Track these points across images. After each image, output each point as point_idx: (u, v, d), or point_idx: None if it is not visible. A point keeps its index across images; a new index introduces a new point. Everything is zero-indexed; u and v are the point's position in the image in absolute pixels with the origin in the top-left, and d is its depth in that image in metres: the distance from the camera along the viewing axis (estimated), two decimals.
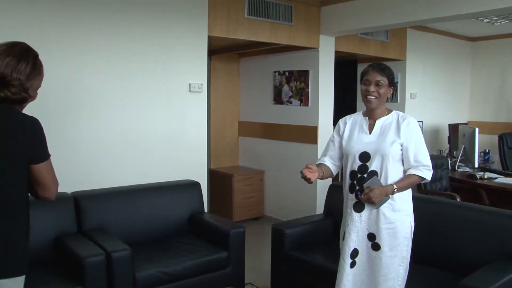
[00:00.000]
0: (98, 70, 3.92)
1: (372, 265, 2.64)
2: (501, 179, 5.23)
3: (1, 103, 1.89)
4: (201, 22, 4.51)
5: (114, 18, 3.96)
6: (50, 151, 1.96)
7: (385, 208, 2.60)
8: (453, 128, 6.84)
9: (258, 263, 4.57)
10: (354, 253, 2.68)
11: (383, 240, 2.60)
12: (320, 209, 4.94)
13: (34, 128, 1.91)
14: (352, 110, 7.24)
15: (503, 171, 5.73)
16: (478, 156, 5.90)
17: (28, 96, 1.95)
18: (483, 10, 4.22)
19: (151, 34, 4.20)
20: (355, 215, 2.68)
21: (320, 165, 2.83)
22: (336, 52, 5.85)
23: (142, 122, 4.20)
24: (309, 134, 5.76)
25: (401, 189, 2.59)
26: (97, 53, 3.91)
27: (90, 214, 3.60)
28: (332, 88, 5.84)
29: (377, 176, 2.61)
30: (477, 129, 5.56)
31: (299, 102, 5.91)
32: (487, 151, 6.82)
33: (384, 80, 2.63)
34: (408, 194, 2.69)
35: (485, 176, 5.28)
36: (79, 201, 3.59)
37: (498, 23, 6.68)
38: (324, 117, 5.75)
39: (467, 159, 5.89)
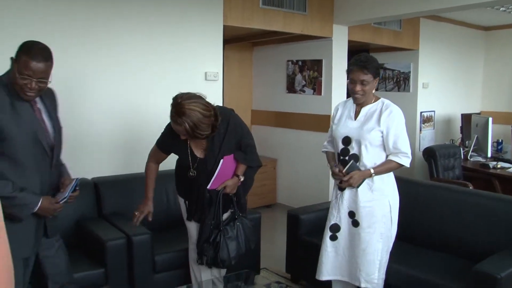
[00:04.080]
0: (115, 62, 3.98)
1: (352, 240, 2.86)
2: None
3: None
4: (216, 11, 4.56)
5: (129, 9, 4.02)
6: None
7: (363, 188, 2.80)
8: (466, 118, 6.84)
9: (272, 250, 4.64)
10: (335, 228, 2.93)
11: (362, 217, 2.82)
12: None
13: None
14: None
15: None
16: (491, 146, 5.92)
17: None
18: None
19: (167, 24, 4.25)
20: (338, 193, 2.92)
21: (328, 154, 3.10)
22: (349, 41, 5.86)
23: (159, 110, 4.26)
24: (322, 123, 5.79)
25: (379, 173, 2.80)
26: (114, 46, 3.96)
27: (110, 199, 3.68)
28: (345, 77, 5.84)
29: (358, 159, 2.80)
30: (490, 119, 5.58)
31: (312, 91, 5.95)
32: (500, 141, 6.81)
33: (368, 78, 2.79)
34: (387, 176, 2.85)
35: (498, 166, 5.30)
36: (99, 186, 3.68)
37: None
38: None
39: (480, 148, 5.91)
